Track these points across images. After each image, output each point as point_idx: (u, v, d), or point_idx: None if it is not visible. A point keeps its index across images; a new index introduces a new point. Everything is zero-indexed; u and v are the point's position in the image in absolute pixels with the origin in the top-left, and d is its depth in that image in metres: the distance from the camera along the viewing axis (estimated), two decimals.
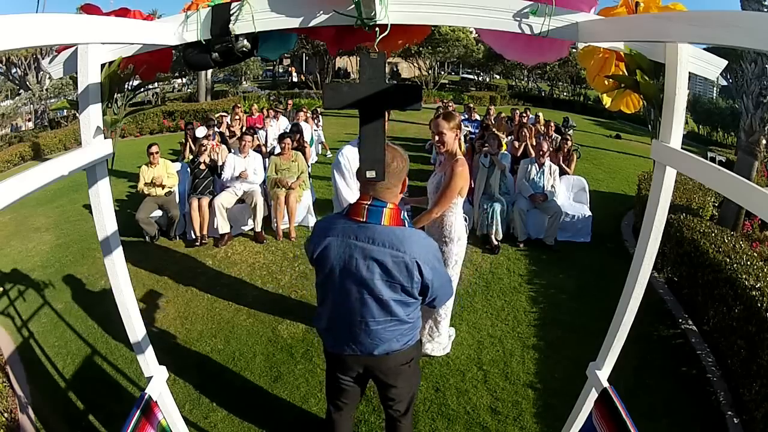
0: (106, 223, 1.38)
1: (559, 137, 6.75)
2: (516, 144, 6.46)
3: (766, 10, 4.53)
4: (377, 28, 1.27)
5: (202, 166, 5.12)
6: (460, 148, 2.67)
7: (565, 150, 5.97)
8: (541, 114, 9.20)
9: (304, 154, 5.93)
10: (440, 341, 2.97)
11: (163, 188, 5.01)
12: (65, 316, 3.61)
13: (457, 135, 2.60)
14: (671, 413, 2.61)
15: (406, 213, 1.77)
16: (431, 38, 18.25)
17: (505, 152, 5.25)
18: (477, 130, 7.48)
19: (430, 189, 2.75)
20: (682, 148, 1.21)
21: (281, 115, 8.88)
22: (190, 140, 6.94)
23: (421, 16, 1.30)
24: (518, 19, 1.28)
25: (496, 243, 4.78)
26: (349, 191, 2.80)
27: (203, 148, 5.28)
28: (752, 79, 4.90)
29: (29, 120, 15.79)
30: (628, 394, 2.17)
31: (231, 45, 1.36)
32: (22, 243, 5.22)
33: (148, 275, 4.22)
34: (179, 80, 25.56)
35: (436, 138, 2.62)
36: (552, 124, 8.00)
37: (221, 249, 4.78)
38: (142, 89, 1.62)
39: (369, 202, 1.52)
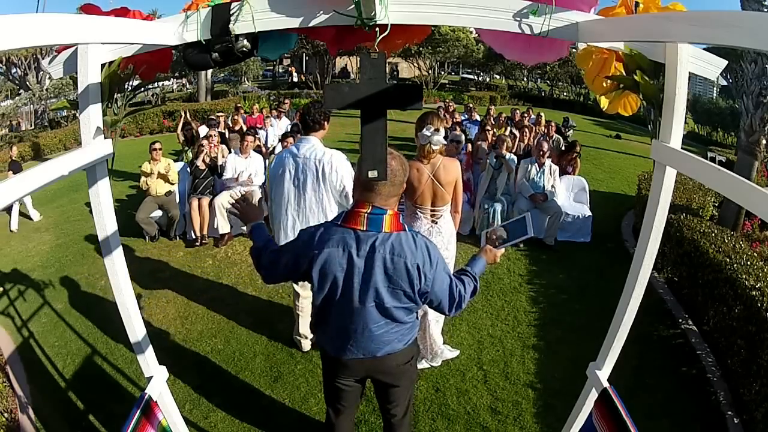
0: (106, 223, 1.38)
1: (561, 138, 6.73)
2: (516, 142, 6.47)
3: (766, 10, 4.53)
4: (377, 28, 1.27)
5: (202, 166, 5.12)
6: (420, 150, 2.54)
7: (572, 156, 5.89)
8: (542, 114, 9.19)
9: None
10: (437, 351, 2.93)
11: (166, 182, 5.00)
12: (65, 316, 3.61)
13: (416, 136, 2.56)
14: (671, 413, 2.61)
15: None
16: (431, 38, 18.22)
17: (512, 156, 5.24)
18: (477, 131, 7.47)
19: None
20: (682, 148, 1.21)
21: (283, 116, 8.88)
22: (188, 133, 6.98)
23: (421, 16, 1.30)
24: (518, 19, 1.28)
25: None
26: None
27: (202, 148, 5.28)
28: (752, 79, 4.90)
29: (18, 124, 15.78)
30: (628, 394, 2.16)
31: (231, 45, 1.36)
32: (22, 243, 5.22)
33: (148, 275, 4.21)
34: (174, 82, 25.41)
35: None
36: (553, 125, 8.00)
37: (221, 249, 4.78)
38: (142, 89, 1.62)
39: (368, 211, 1.47)
